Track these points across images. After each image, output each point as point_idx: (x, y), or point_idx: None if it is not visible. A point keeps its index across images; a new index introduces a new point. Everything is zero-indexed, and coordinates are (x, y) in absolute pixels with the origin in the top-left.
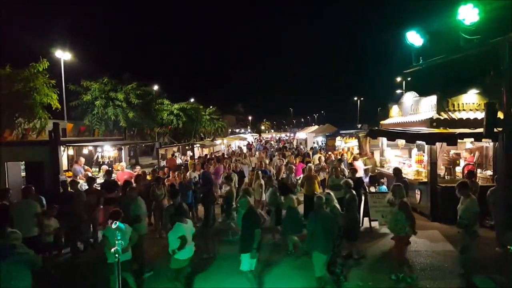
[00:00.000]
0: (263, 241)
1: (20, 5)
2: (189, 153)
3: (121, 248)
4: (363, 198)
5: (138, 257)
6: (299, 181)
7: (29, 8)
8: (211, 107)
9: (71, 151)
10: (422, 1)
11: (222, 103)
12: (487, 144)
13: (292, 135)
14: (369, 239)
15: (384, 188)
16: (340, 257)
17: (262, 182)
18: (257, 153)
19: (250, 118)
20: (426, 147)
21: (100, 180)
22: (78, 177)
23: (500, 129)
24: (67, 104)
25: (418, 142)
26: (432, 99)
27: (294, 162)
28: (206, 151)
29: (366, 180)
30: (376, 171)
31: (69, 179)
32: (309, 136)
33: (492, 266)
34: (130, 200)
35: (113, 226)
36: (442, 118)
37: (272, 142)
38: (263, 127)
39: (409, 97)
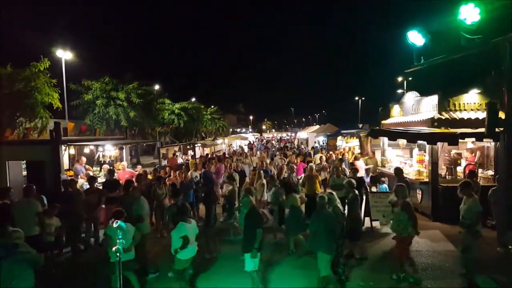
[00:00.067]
0: (265, 240)
1: (21, 5)
2: (190, 152)
3: (123, 248)
4: (364, 198)
5: (141, 256)
6: (300, 181)
7: (30, 7)
8: (212, 106)
9: (72, 151)
10: (423, 0)
11: (223, 103)
12: (488, 144)
13: (293, 134)
14: (370, 239)
15: (384, 187)
16: (342, 257)
17: (264, 181)
18: (258, 152)
19: (251, 117)
20: (427, 147)
21: (101, 179)
22: (79, 177)
23: (502, 129)
24: (68, 104)
25: (419, 142)
26: (433, 99)
27: (295, 161)
28: (207, 150)
29: (367, 180)
30: (378, 171)
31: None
32: (310, 135)
33: (493, 266)
34: (132, 200)
35: (115, 225)
36: (443, 118)
37: (273, 142)
38: (264, 127)
39: (410, 97)
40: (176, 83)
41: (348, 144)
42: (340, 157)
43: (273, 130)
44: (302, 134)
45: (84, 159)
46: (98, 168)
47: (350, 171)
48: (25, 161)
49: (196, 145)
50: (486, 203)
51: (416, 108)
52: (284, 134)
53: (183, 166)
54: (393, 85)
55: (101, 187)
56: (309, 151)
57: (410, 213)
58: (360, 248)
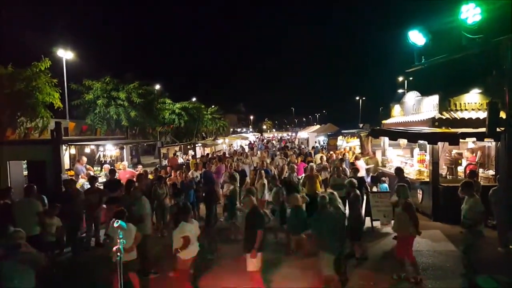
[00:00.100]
0: (267, 240)
1: (22, 5)
2: (191, 152)
3: (124, 248)
4: (364, 197)
5: (142, 257)
6: (301, 181)
7: (31, 7)
8: (212, 106)
9: (73, 150)
10: (424, 0)
11: (223, 103)
12: (489, 143)
13: (293, 134)
14: (371, 238)
15: (385, 186)
16: (343, 257)
17: (265, 181)
18: (259, 152)
19: (251, 117)
20: (428, 146)
21: (102, 179)
22: (80, 176)
23: (503, 128)
24: (69, 103)
25: (420, 141)
26: (434, 99)
27: (296, 161)
28: (207, 150)
29: (368, 179)
30: (378, 170)
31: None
32: (310, 135)
33: (494, 266)
34: (134, 200)
35: (115, 224)
36: (444, 117)
37: (273, 142)
38: (264, 127)
39: (411, 97)
40: (176, 83)
41: (348, 144)
42: (341, 157)
43: (274, 130)
44: (303, 134)
45: (84, 159)
46: (99, 168)
47: (351, 171)
48: (26, 161)
49: (196, 145)
50: (486, 203)
51: (417, 108)
52: (284, 134)
53: (184, 166)
54: (393, 84)
55: (102, 187)
56: (309, 151)
57: (412, 213)
58: (360, 248)
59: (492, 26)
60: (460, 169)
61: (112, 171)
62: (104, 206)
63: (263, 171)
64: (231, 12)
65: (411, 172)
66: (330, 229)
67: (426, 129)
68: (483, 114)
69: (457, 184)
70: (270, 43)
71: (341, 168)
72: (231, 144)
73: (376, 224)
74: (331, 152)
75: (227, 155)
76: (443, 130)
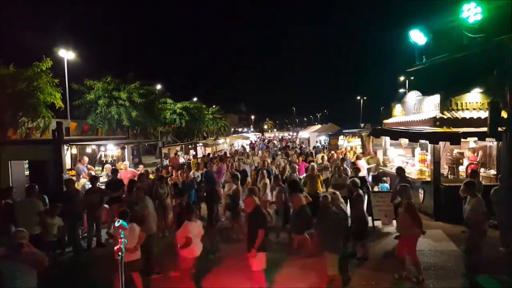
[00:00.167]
0: (270, 240)
1: (23, 5)
2: (192, 152)
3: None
4: (366, 197)
5: (146, 257)
6: (302, 180)
7: (32, 7)
8: (214, 106)
9: (74, 150)
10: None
11: (224, 102)
12: (491, 143)
13: (295, 134)
14: (372, 238)
15: (386, 186)
16: (345, 256)
17: (267, 181)
18: (260, 152)
19: (252, 117)
20: (430, 146)
21: (103, 179)
22: (81, 176)
23: (504, 128)
24: (70, 103)
25: (421, 141)
26: (436, 98)
27: (297, 161)
28: (209, 150)
29: (369, 179)
30: (379, 170)
31: (73, 178)
32: (311, 135)
33: (496, 265)
34: (137, 200)
35: (116, 224)
36: (445, 117)
37: (275, 142)
38: (265, 126)
39: (412, 96)
40: (177, 83)
41: (350, 143)
42: (342, 156)
43: (275, 130)
44: (304, 134)
45: (86, 158)
46: (100, 168)
47: (352, 170)
48: (27, 160)
49: (197, 145)
50: (488, 202)
51: (418, 107)
52: (285, 134)
53: (185, 166)
54: (395, 84)
55: (104, 187)
56: (310, 151)
57: (413, 214)
58: (363, 248)
59: (493, 25)
60: (462, 168)
61: (114, 171)
62: (106, 206)
63: (265, 171)
64: (231, 12)
65: (412, 172)
66: (333, 228)
67: (428, 129)
68: (484, 114)
69: (458, 183)
70: (270, 43)
71: (342, 167)
72: (232, 144)
73: (377, 223)
74: (332, 152)
75: (228, 155)
76: (445, 129)
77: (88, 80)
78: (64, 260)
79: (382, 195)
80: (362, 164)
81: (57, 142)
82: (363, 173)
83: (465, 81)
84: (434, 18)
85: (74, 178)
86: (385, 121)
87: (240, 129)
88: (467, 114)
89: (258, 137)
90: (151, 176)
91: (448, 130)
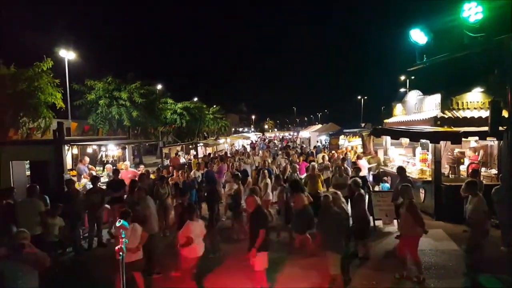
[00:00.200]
0: (271, 240)
1: (24, 5)
2: (193, 152)
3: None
4: (366, 197)
5: (148, 256)
6: (303, 180)
7: (33, 7)
8: (214, 106)
9: (75, 150)
10: None
11: (225, 102)
12: (492, 142)
13: (295, 134)
14: (373, 238)
15: (387, 186)
16: (347, 256)
17: (268, 181)
18: (260, 152)
19: (253, 117)
20: (430, 145)
21: (104, 179)
22: (82, 176)
23: (505, 127)
24: (71, 104)
25: (422, 140)
26: (436, 98)
27: (298, 161)
28: (209, 150)
29: (370, 179)
30: (380, 170)
31: (74, 178)
32: (312, 135)
33: (497, 265)
34: (139, 200)
35: (117, 224)
36: (446, 116)
37: (275, 141)
38: (266, 126)
39: (413, 96)
40: (177, 83)
41: (350, 143)
42: (343, 156)
43: (276, 130)
44: (305, 134)
45: (87, 159)
46: (101, 168)
47: (353, 170)
48: (28, 161)
49: (198, 145)
50: (489, 202)
51: (419, 107)
52: (286, 134)
53: (186, 166)
54: (395, 83)
55: (105, 187)
56: (311, 151)
57: (415, 214)
58: (364, 248)
59: (494, 25)
60: (463, 168)
61: (116, 171)
62: (107, 206)
63: (266, 171)
64: (231, 12)
65: (413, 171)
66: (335, 228)
67: (428, 128)
68: (485, 113)
69: (459, 183)
70: (270, 42)
71: (343, 167)
72: (233, 144)
73: (378, 223)
74: (333, 152)
75: (228, 155)
76: (445, 129)
77: (89, 80)
78: (65, 260)
79: (383, 194)
80: (363, 163)
81: (58, 142)
82: (363, 172)
83: (466, 80)
84: (435, 17)
85: (75, 178)
86: (385, 120)
87: (240, 129)
88: (468, 114)
89: (258, 137)
90: (152, 176)
91: (449, 129)
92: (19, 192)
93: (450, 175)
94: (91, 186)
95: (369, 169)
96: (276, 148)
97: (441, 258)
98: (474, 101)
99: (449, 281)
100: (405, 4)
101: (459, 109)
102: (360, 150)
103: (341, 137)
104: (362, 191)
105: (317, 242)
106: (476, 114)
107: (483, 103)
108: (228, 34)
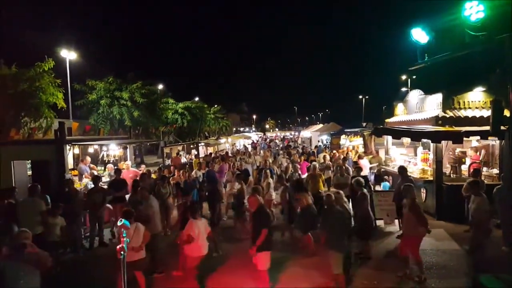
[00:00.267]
0: (274, 239)
1: (25, 5)
2: (194, 151)
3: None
4: (368, 196)
5: (151, 256)
6: (304, 180)
7: (34, 8)
8: (215, 106)
9: (76, 150)
10: None
11: (226, 102)
12: (493, 142)
13: (296, 133)
14: (374, 237)
15: (387, 185)
16: (350, 256)
17: (271, 181)
18: (261, 151)
19: (254, 117)
20: (432, 145)
21: (106, 178)
22: (83, 176)
23: (507, 126)
24: (72, 103)
25: (424, 140)
26: (438, 97)
27: (299, 160)
28: (210, 149)
29: (371, 178)
30: (381, 169)
31: (75, 178)
32: (313, 134)
33: (498, 264)
34: (141, 199)
35: (119, 223)
36: (447, 116)
37: (276, 141)
38: (267, 126)
39: (415, 95)
40: (178, 83)
41: (351, 142)
42: (344, 156)
43: (277, 129)
44: (306, 133)
45: (88, 158)
46: (103, 168)
47: (354, 170)
48: (30, 160)
49: (199, 144)
50: (491, 201)
51: (420, 106)
52: (287, 133)
53: (187, 165)
54: (397, 83)
55: (107, 186)
56: (312, 150)
57: (417, 214)
58: (365, 247)
59: (496, 23)
60: (464, 167)
61: (118, 171)
62: (109, 205)
63: (268, 171)
64: (231, 12)
65: (414, 171)
66: (338, 227)
67: (430, 128)
68: (487, 112)
69: (461, 183)
70: (271, 42)
71: (344, 167)
72: (234, 144)
73: (380, 223)
74: (334, 151)
75: (230, 155)
76: (447, 128)
77: (90, 80)
78: (66, 260)
79: (384, 194)
80: (364, 163)
81: (59, 142)
82: (365, 172)
83: (468, 79)
84: (436, 16)
85: (77, 178)
86: (387, 120)
87: (241, 129)
88: (469, 113)
89: (260, 137)
90: (153, 176)
91: (450, 129)
92: (21, 191)
93: (451, 175)
94: (92, 185)
95: (371, 169)
96: (277, 148)
97: (442, 258)
98: (476, 101)
99: (450, 281)
100: (406, 3)
101: (460, 108)
102: (361, 149)
103: (343, 136)
104: (365, 190)
105: (322, 242)
106: (477, 113)
107: (485, 102)
108: (229, 34)
